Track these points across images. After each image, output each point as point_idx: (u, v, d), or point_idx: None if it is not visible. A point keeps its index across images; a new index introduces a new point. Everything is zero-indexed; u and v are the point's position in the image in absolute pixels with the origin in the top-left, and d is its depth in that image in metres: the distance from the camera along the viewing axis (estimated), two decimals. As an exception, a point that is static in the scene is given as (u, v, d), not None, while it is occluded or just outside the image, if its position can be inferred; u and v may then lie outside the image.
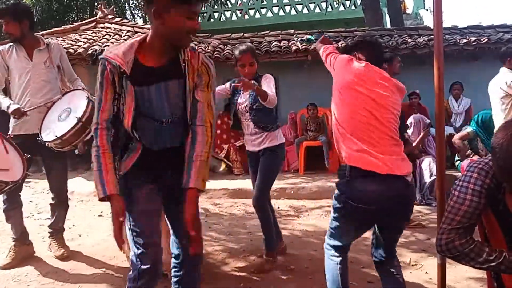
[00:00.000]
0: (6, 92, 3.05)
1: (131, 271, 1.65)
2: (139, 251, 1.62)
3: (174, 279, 1.79)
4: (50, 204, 3.16)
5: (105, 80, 1.55)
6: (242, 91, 2.81)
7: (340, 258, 1.97)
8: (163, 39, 1.53)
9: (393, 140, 1.84)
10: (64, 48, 6.48)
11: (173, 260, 1.78)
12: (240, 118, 2.87)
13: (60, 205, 3.14)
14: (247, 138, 2.87)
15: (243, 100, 2.82)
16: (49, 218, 3.30)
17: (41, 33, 6.63)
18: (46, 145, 2.64)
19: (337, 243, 1.97)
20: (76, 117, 2.56)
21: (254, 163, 2.87)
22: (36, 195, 5.35)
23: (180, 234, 1.70)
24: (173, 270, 1.79)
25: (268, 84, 2.69)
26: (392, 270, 1.96)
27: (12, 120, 2.94)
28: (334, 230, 1.97)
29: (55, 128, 2.65)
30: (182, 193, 1.57)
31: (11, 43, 3.03)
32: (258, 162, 2.81)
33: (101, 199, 1.56)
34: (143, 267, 1.61)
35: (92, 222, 4.19)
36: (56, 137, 2.56)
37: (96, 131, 1.57)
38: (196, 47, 1.73)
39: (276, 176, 2.85)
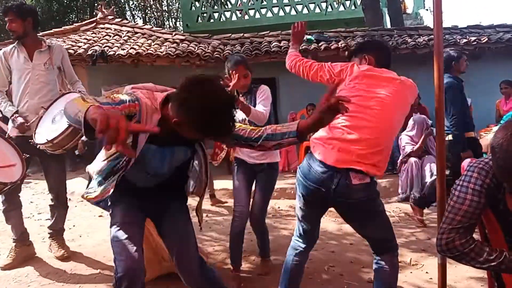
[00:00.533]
0: (7, 93, 3.08)
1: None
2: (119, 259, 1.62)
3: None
4: (50, 205, 3.16)
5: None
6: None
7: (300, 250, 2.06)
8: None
9: (377, 146, 1.83)
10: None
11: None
12: None
13: (59, 206, 3.13)
14: (244, 149, 2.60)
15: (239, 114, 2.63)
16: (49, 219, 3.29)
17: (41, 34, 6.63)
18: (38, 147, 2.61)
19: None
20: (67, 122, 2.53)
21: (246, 175, 2.64)
22: (37, 195, 5.35)
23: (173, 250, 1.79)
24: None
25: (261, 98, 2.54)
26: (381, 263, 1.97)
27: (10, 122, 2.96)
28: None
29: (48, 130, 2.63)
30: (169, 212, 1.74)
31: (14, 45, 3.04)
32: (251, 174, 2.64)
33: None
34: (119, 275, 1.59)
35: (92, 222, 4.19)
36: (47, 141, 2.52)
37: None
38: None
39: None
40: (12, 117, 2.88)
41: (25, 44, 2.99)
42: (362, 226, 2.01)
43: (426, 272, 2.75)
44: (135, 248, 1.61)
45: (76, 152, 6.51)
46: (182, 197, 1.92)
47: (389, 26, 8.93)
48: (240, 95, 2.63)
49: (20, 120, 2.85)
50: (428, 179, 4.57)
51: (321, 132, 1.88)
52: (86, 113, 1.22)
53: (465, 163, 1.52)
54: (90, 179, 1.89)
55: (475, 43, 6.34)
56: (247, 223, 2.64)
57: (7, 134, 2.88)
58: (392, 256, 1.98)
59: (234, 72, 2.47)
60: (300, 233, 2.08)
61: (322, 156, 1.85)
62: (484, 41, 6.34)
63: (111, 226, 1.69)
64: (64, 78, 3.13)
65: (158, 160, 1.66)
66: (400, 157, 4.90)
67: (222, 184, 5.37)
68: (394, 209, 4.42)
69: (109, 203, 1.76)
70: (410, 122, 4.93)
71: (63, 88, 3.09)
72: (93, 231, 3.88)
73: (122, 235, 1.64)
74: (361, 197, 1.84)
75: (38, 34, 3.23)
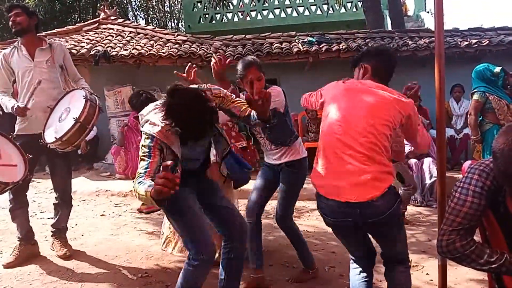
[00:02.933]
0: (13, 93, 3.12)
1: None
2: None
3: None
4: (54, 203, 3.18)
5: None
6: None
7: (359, 269, 2.01)
8: None
9: (364, 156, 1.77)
10: (67, 48, 6.58)
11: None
12: (256, 135, 2.64)
13: (63, 204, 3.16)
14: (266, 152, 2.64)
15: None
16: (51, 218, 3.32)
17: (44, 33, 6.65)
18: (48, 147, 2.65)
19: (351, 255, 2.07)
20: (73, 118, 2.56)
21: (267, 176, 2.65)
22: (39, 194, 5.36)
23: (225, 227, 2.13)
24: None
25: (275, 99, 2.35)
26: (390, 272, 1.96)
27: (18, 120, 2.98)
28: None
29: (56, 129, 2.67)
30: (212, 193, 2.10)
31: (14, 45, 3.06)
32: (272, 175, 2.61)
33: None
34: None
35: (94, 221, 4.21)
36: (55, 139, 2.57)
37: None
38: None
39: (298, 193, 2.64)
40: (12, 107, 2.86)
41: (25, 43, 3.01)
42: (388, 239, 1.94)
43: (427, 274, 2.76)
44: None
45: (79, 152, 6.54)
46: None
47: (390, 28, 8.94)
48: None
49: (20, 105, 2.85)
50: (427, 181, 4.59)
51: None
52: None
53: (466, 165, 1.52)
54: None
55: (476, 45, 6.35)
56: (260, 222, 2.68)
57: (14, 133, 2.90)
58: (407, 266, 1.98)
59: (247, 74, 2.38)
60: (352, 257, 2.07)
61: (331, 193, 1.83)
62: (485, 43, 6.35)
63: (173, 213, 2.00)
64: (67, 76, 3.14)
65: (188, 149, 1.92)
66: None
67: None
68: (395, 210, 4.43)
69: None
70: None
71: (67, 86, 3.10)
72: (95, 230, 3.90)
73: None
74: (389, 208, 1.77)
75: (40, 34, 3.27)
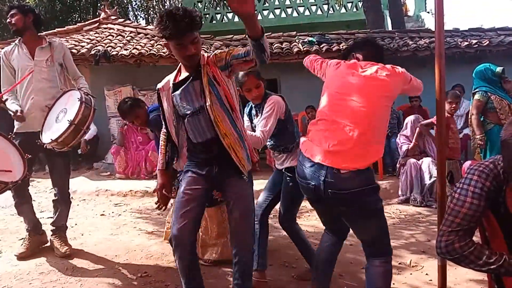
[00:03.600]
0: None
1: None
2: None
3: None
4: (53, 200, 3.21)
5: None
6: (254, 117, 2.60)
7: (329, 236, 2.16)
8: (179, 61, 2.01)
9: (356, 130, 1.80)
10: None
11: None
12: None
13: (62, 201, 3.19)
14: (274, 157, 2.71)
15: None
16: (51, 217, 3.32)
17: (44, 33, 6.65)
18: (45, 147, 2.71)
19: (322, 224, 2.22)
20: (68, 120, 2.62)
21: (275, 179, 2.71)
22: (39, 194, 5.37)
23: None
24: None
25: (263, 117, 2.40)
26: (373, 266, 1.94)
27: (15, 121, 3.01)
28: None
29: (52, 129, 2.73)
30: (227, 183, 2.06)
31: (15, 43, 3.09)
32: (279, 179, 2.65)
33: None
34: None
35: (94, 221, 4.21)
36: (51, 140, 2.64)
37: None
38: (205, 53, 2.04)
39: (300, 197, 2.56)
40: (15, 113, 2.89)
41: (25, 41, 3.04)
42: (356, 225, 1.96)
43: (426, 274, 2.76)
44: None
45: (79, 151, 6.54)
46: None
47: (390, 28, 8.94)
48: (253, 108, 2.60)
49: (19, 110, 2.88)
50: (427, 181, 4.58)
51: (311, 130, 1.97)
52: None
53: (466, 165, 1.51)
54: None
55: (476, 46, 6.35)
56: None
57: (13, 132, 2.92)
58: (385, 261, 1.94)
59: (245, 82, 2.43)
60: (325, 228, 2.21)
61: (309, 153, 1.89)
62: (485, 44, 6.35)
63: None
64: (67, 74, 3.16)
65: (183, 99, 2.01)
66: (399, 159, 4.93)
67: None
68: (394, 210, 4.43)
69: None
70: (405, 122, 5.02)
71: (66, 85, 3.12)
72: (95, 229, 3.90)
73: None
74: (354, 187, 1.76)
75: (40, 34, 3.26)
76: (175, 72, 2.10)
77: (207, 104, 1.93)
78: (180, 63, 2.06)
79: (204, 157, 2.05)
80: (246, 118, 2.70)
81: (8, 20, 3.03)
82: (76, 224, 4.01)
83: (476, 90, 3.93)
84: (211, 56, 1.99)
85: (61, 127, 2.66)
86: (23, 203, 3.11)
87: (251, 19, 1.64)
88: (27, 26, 3.03)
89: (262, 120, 2.40)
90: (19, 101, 3.00)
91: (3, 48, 3.15)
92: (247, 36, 1.78)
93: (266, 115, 2.39)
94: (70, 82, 3.16)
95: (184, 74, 2.05)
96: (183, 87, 2.00)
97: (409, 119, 4.97)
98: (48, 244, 3.25)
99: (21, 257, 3.07)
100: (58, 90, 3.03)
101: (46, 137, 2.71)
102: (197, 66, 1.97)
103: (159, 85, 2.11)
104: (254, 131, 2.50)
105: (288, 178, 2.55)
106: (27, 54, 3.01)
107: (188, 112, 2.00)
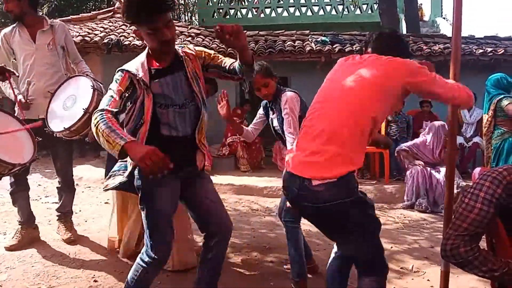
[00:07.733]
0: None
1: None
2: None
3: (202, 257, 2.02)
4: (57, 187, 3.20)
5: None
6: (271, 113, 2.61)
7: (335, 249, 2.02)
8: (153, 49, 1.81)
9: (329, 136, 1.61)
10: (80, 36, 6.62)
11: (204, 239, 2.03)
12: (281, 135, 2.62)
13: (66, 188, 3.17)
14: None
15: (275, 124, 2.60)
16: (56, 202, 3.34)
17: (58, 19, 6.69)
18: (55, 135, 2.60)
19: None
20: (83, 109, 2.50)
21: None
22: (45, 178, 5.42)
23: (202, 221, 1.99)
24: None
25: (284, 117, 2.40)
26: (361, 284, 1.72)
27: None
28: None
29: (62, 117, 2.60)
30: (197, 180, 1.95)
31: (14, 25, 2.98)
32: None
33: (120, 153, 1.61)
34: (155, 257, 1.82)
35: (98, 208, 4.24)
36: (64, 129, 2.52)
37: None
38: (181, 48, 1.92)
39: None
40: (18, 102, 2.81)
41: (26, 24, 2.93)
42: (336, 240, 1.81)
43: (428, 280, 2.74)
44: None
45: (87, 140, 6.57)
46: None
47: (405, 32, 8.86)
48: (269, 106, 2.59)
49: (22, 100, 2.81)
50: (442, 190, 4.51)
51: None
52: (123, 149, 1.58)
53: (476, 171, 1.49)
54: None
55: (491, 54, 6.28)
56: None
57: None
58: (374, 280, 1.70)
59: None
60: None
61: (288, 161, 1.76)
62: (500, 52, 6.27)
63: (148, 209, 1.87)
64: (68, 57, 3.08)
65: (172, 88, 1.84)
66: (407, 162, 4.87)
67: (228, 180, 5.40)
68: (399, 215, 4.40)
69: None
70: (428, 127, 4.90)
71: (69, 70, 3.04)
72: (99, 216, 3.92)
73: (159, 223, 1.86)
74: (328, 200, 1.55)
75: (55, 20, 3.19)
76: (143, 58, 1.83)
77: (199, 97, 1.87)
78: (147, 50, 1.85)
79: (176, 153, 1.76)
80: (261, 112, 2.68)
81: (4, 7, 2.91)
82: (80, 211, 4.04)
83: (501, 97, 3.85)
84: (186, 50, 1.91)
85: (74, 115, 2.53)
86: (20, 191, 3.02)
87: (244, 50, 1.76)
88: (24, 10, 2.88)
89: (285, 124, 2.40)
90: (19, 87, 2.89)
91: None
92: (239, 62, 1.83)
93: (285, 117, 2.40)
94: (70, 66, 3.07)
95: (161, 63, 1.84)
96: (171, 75, 1.83)
97: (434, 126, 4.80)
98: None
99: (11, 249, 2.94)
100: (62, 75, 2.95)
101: (57, 126, 2.58)
102: (175, 56, 1.86)
103: (133, 70, 1.79)
104: (267, 125, 2.58)
105: None
106: (28, 38, 2.90)
107: (178, 103, 1.84)
